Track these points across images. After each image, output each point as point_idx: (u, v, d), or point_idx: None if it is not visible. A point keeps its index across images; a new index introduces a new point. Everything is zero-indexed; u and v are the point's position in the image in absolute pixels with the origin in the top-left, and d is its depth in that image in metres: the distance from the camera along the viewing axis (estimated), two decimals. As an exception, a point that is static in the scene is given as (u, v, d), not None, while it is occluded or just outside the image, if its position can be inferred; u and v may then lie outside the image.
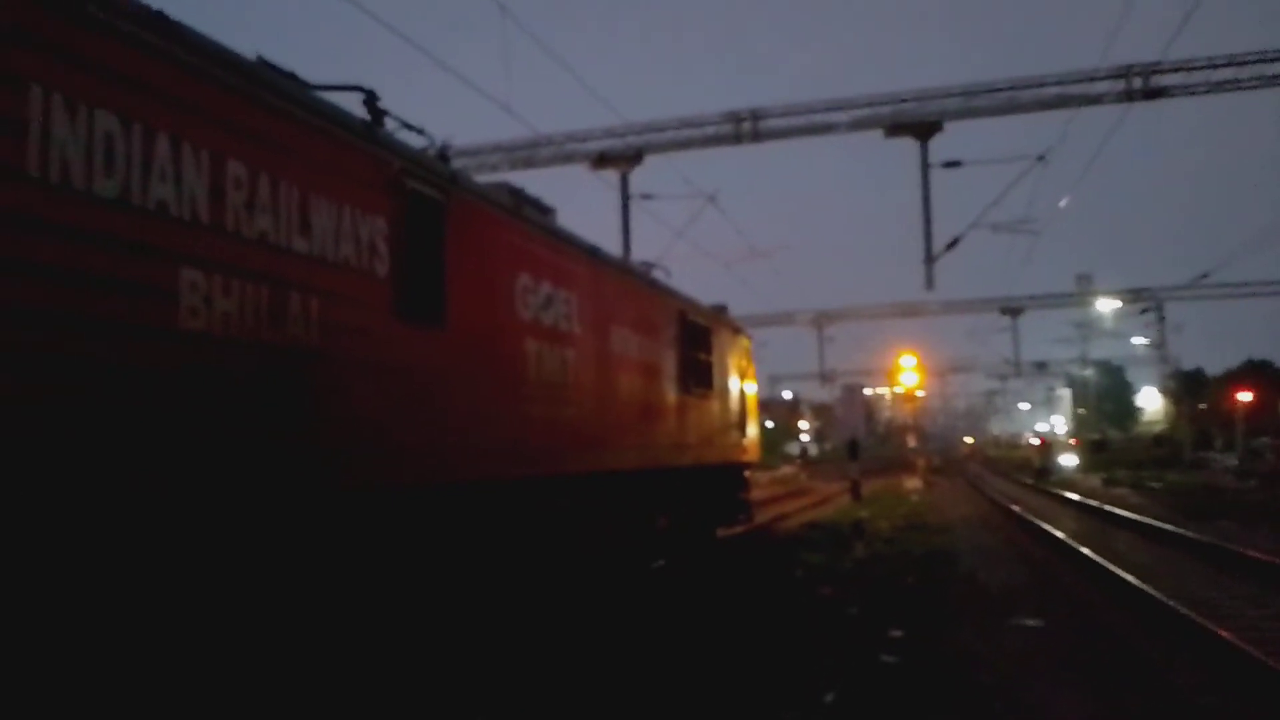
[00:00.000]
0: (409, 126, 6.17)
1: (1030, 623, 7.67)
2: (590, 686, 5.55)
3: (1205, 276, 29.76)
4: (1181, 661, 6.29)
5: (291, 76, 5.12)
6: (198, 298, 4.10)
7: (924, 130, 17.52)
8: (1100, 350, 61.40)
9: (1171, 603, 7.76)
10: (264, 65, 4.93)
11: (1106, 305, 42.70)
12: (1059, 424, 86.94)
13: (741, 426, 13.57)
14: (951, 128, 17.89)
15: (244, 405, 4.32)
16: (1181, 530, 13.80)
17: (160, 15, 4.08)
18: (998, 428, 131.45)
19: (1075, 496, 24.14)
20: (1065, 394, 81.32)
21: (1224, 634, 6.48)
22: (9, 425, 3.25)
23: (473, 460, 6.22)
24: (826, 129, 18.91)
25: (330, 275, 4.98)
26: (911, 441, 41.49)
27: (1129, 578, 9.22)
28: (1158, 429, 58.64)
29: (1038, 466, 43.22)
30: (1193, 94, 16.89)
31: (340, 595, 4.97)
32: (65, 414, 3.47)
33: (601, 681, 5.65)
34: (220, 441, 4.16)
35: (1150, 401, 74.29)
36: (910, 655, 6.41)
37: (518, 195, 7.55)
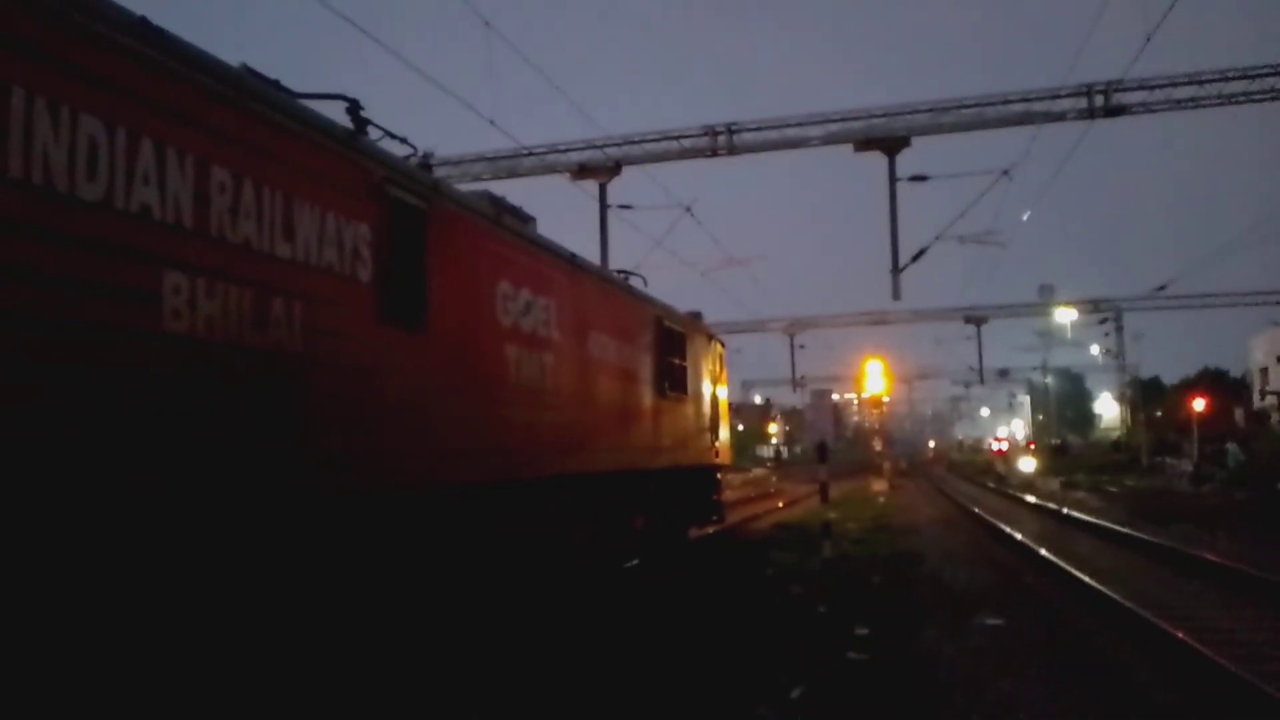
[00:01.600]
0: (392, 135, 6.24)
1: (993, 621, 7.89)
2: (569, 682, 5.65)
3: (1163, 288, 30.58)
4: (1140, 660, 6.49)
5: (276, 84, 5.17)
6: (181, 301, 4.13)
7: (892, 145, 17.88)
8: (1061, 358, 62.77)
9: (1129, 604, 7.99)
10: (249, 73, 4.98)
11: (1067, 315, 43.70)
12: (1019, 429, 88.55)
13: (714, 430, 13.74)
14: (920, 143, 18.29)
15: (227, 408, 4.35)
16: (1139, 534, 14.16)
17: (144, 21, 4.11)
18: (962, 433, 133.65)
19: (1035, 500, 24.64)
20: (1026, 400, 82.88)
21: (1180, 634, 6.71)
22: None
23: (454, 463, 6.29)
24: (799, 143, 19.24)
25: (313, 279, 5.03)
26: (878, 445, 42.02)
27: (1088, 579, 9.49)
28: (1116, 435, 59.92)
29: (1000, 471, 43.99)
30: (1153, 111, 17.40)
31: (326, 597, 5.02)
32: (45, 415, 3.47)
33: (579, 677, 5.75)
34: (202, 444, 4.18)
35: (1108, 408, 75.95)
36: (876, 652, 6.58)
37: (498, 204, 7.64)
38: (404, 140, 6.38)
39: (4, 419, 3.32)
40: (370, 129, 5.96)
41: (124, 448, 3.79)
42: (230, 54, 4.73)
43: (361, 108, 5.83)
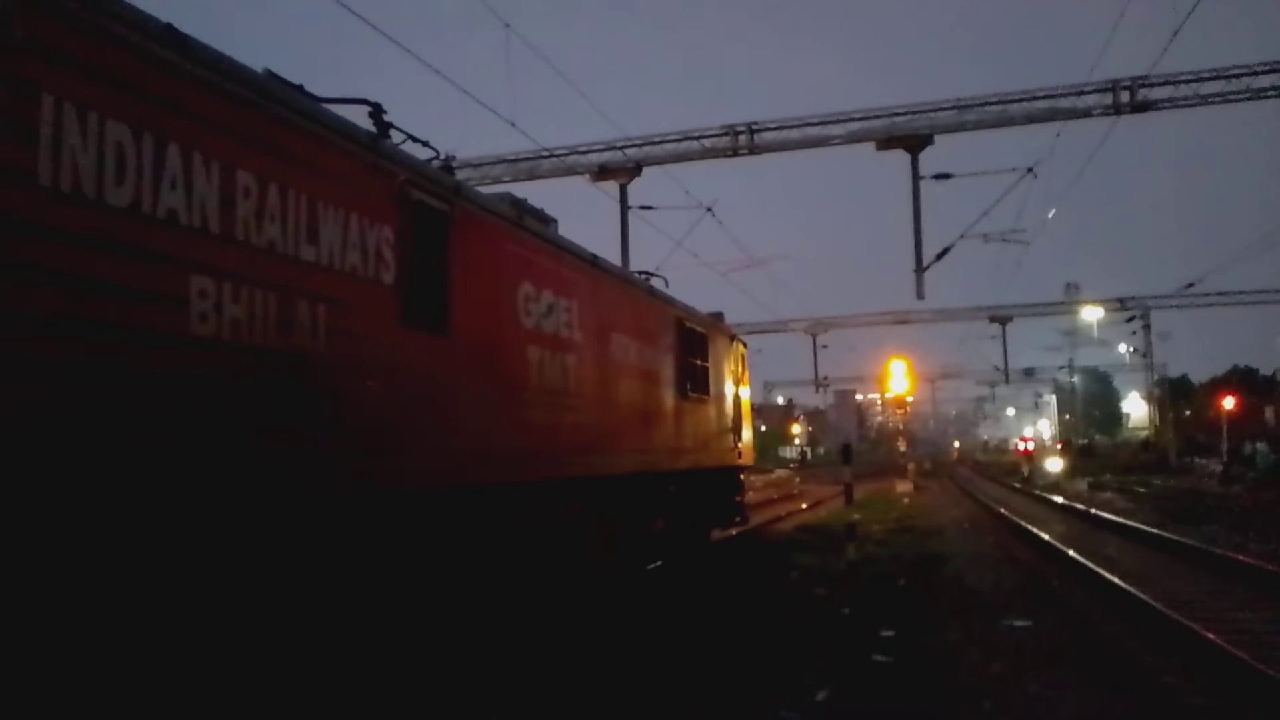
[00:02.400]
0: (414, 139, 6.28)
1: (1019, 623, 7.80)
2: (592, 684, 5.65)
3: (1191, 286, 30.17)
4: (1170, 663, 6.39)
5: (299, 89, 5.22)
6: (208, 305, 4.18)
7: (916, 144, 17.79)
8: (1088, 357, 62.15)
9: (1159, 605, 7.89)
10: (272, 78, 5.03)
11: (1094, 313, 43.21)
12: (1046, 429, 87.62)
13: (737, 431, 13.70)
14: (942, 140, 18.17)
15: (251, 411, 4.40)
16: (1168, 534, 13.96)
17: (170, 28, 4.17)
18: (986, 433, 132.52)
19: (1061, 500, 24.35)
20: (1053, 400, 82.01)
21: (1212, 636, 6.60)
22: (22, 426, 3.31)
23: (476, 465, 6.32)
24: (821, 142, 19.17)
25: (337, 283, 5.07)
26: (902, 446, 41.79)
27: (1116, 580, 9.36)
28: (1144, 435, 59.13)
29: (1025, 472, 43.54)
30: (1179, 107, 17.16)
31: (350, 597, 5.06)
32: (81, 416, 3.53)
33: (602, 680, 5.75)
34: (230, 445, 4.24)
35: (1136, 407, 75.01)
36: (901, 654, 6.53)
37: (520, 206, 7.67)
38: (426, 143, 6.43)
39: (41, 422, 3.38)
40: (393, 132, 6.00)
41: (152, 451, 3.84)
42: (248, 55, 4.77)
43: (384, 112, 5.88)
